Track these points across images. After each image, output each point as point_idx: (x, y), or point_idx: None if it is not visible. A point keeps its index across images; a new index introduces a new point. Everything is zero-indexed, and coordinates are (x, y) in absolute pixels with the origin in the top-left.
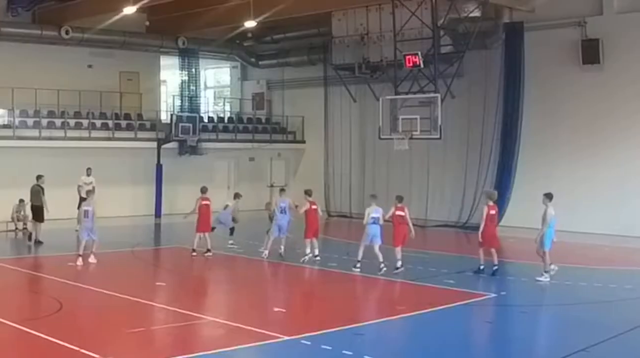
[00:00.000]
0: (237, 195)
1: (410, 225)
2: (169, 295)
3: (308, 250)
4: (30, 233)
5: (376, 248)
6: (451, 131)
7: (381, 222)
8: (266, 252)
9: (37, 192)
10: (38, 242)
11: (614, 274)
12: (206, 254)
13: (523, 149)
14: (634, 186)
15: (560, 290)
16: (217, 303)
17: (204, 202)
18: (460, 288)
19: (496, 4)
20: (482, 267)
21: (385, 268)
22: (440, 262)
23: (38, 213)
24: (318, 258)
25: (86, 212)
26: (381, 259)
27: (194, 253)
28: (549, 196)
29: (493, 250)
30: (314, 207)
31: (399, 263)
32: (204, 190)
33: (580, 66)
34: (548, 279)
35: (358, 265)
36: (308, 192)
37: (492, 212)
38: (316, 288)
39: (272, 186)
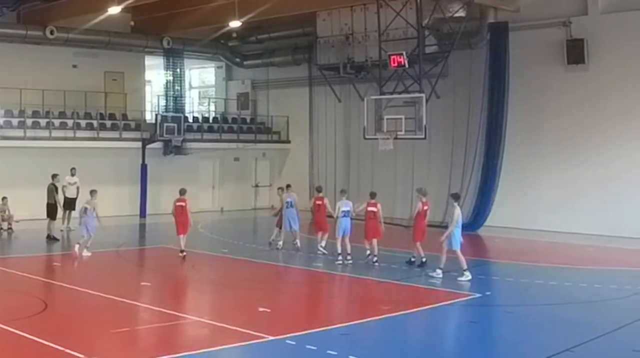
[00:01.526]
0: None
1: (382, 220)
2: (153, 295)
3: (322, 243)
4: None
5: (346, 240)
6: (436, 131)
7: (352, 215)
8: (280, 242)
9: (50, 191)
10: (53, 238)
11: (599, 274)
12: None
13: (508, 148)
14: (619, 186)
15: (545, 290)
16: (202, 303)
17: (179, 204)
18: (445, 288)
19: (481, 3)
20: (413, 259)
21: (341, 263)
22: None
23: (50, 211)
24: (320, 251)
25: (85, 209)
26: (347, 250)
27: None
28: (455, 196)
29: (418, 244)
30: (318, 202)
31: (375, 258)
32: (182, 192)
33: (565, 66)
34: (470, 277)
35: (340, 258)
36: (318, 189)
37: (425, 208)
38: (301, 288)
39: (257, 186)
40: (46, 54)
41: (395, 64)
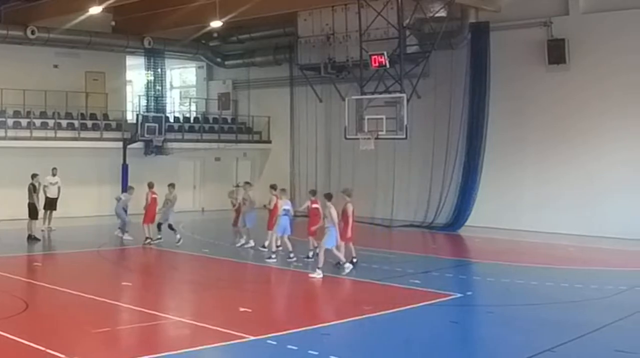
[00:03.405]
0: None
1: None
2: (134, 295)
3: (266, 243)
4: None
5: (285, 239)
6: (417, 131)
7: (291, 213)
8: (242, 240)
9: (29, 190)
10: (34, 238)
11: (580, 274)
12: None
13: (489, 149)
14: (600, 186)
15: (527, 290)
16: (183, 303)
17: (154, 196)
18: (426, 289)
19: (462, 4)
20: (355, 260)
21: (295, 258)
22: (406, 262)
23: (30, 210)
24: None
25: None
26: (290, 249)
27: (147, 241)
28: (328, 196)
29: (312, 239)
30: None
31: (311, 253)
32: (152, 185)
33: (546, 66)
34: (351, 268)
35: (273, 256)
36: (273, 186)
37: (315, 206)
38: (282, 288)
39: (237, 186)
40: (27, 54)
41: (376, 64)
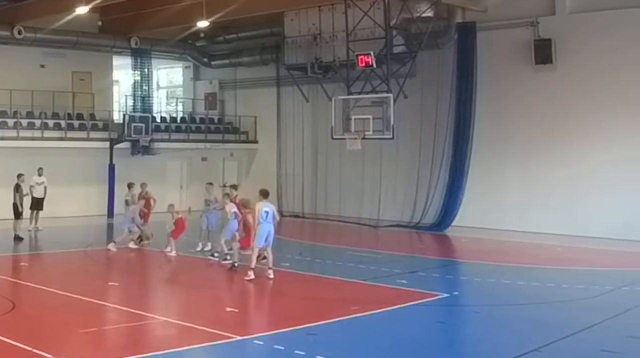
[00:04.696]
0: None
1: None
2: (121, 295)
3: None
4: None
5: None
6: (404, 131)
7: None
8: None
9: (14, 190)
10: (18, 238)
11: (567, 274)
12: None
13: (475, 149)
14: (586, 186)
15: (513, 290)
16: (170, 303)
17: (146, 197)
18: (413, 289)
19: (449, 4)
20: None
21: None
22: (393, 262)
23: (14, 210)
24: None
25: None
26: (226, 251)
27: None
28: (263, 193)
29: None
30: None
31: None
32: (144, 186)
33: (533, 66)
34: (252, 277)
35: (229, 258)
36: (235, 187)
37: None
38: (269, 288)
39: (224, 186)
40: (14, 54)
41: (363, 64)
